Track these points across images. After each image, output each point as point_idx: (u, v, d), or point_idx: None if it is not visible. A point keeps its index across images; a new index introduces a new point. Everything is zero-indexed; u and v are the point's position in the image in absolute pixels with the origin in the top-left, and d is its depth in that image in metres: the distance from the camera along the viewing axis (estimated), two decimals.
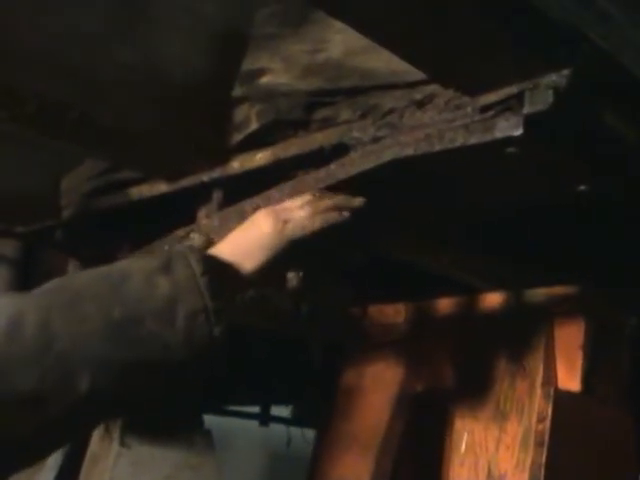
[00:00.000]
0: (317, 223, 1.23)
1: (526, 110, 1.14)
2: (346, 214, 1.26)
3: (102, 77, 1.39)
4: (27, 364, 0.96)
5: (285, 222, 1.22)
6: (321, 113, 1.42)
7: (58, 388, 0.98)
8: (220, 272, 1.13)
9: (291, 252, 1.22)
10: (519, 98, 1.15)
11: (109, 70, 1.39)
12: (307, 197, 1.27)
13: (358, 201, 1.29)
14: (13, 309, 0.98)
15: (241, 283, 1.19)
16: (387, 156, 1.29)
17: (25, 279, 1.92)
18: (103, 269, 1.09)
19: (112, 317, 1.02)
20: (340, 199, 1.29)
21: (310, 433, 2.66)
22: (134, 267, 1.08)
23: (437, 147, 1.23)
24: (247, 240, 1.21)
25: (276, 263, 1.21)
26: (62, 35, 1.34)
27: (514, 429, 1.74)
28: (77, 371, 0.98)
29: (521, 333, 1.83)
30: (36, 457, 1.06)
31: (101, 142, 1.50)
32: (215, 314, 1.07)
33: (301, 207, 1.25)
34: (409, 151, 1.26)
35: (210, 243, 1.39)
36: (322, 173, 1.37)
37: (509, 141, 1.17)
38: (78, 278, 1.08)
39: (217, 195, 1.54)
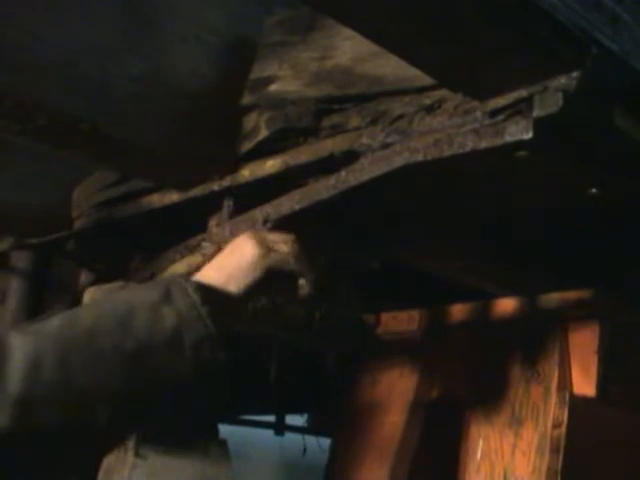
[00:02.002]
0: (297, 265, 1.27)
1: (536, 113, 1.13)
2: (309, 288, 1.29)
3: (112, 89, 1.40)
4: (48, 404, 0.98)
5: (269, 249, 1.25)
6: (330, 120, 1.42)
7: (78, 423, 1.01)
8: (215, 298, 1.16)
9: (270, 279, 1.25)
10: (528, 101, 1.14)
11: (119, 82, 1.40)
12: (292, 237, 1.30)
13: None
14: (29, 348, 1.00)
15: (231, 307, 1.21)
16: (397, 162, 1.29)
17: (38, 290, 1.92)
18: (106, 303, 1.14)
19: (125, 350, 1.05)
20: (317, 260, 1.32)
21: (326, 442, 2.66)
22: (137, 300, 1.11)
23: (447, 152, 1.22)
24: (230, 264, 1.23)
25: (258, 287, 1.24)
26: (72, 48, 1.34)
27: (530, 435, 1.73)
28: (96, 405, 1.02)
29: (535, 338, 1.82)
30: None
31: (112, 153, 1.50)
32: (218, 339, 1.11)
33: (285, 243, 1.28)
34: (419, 157, 1.26)
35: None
36: (332, 180, 1.37)
37: (519, 145, 1.16)
38: (86, 314, 1.11)
39: (228, 204, 1.54)
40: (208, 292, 1.15)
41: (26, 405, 0.96)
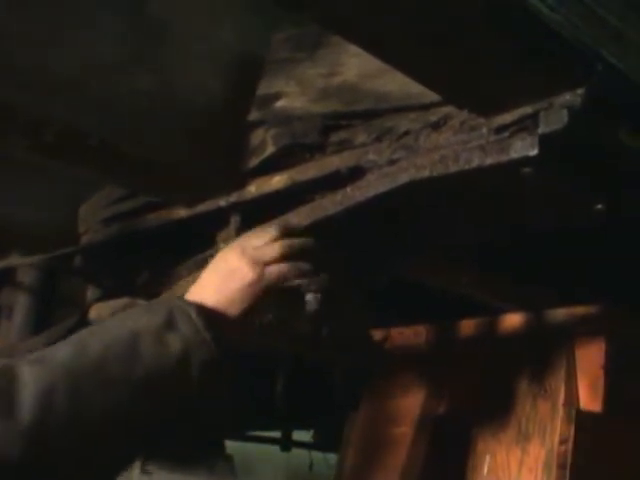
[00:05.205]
0: (291, 273, 1.26)
1: (541, 130, 1.14)
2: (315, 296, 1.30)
3: (120, 104, 1.40)
4: (61, 434, 1.00)
5: (262, 266, 1.24)
6: (337, 136, 1.43)
7: (91, 451, 1.03)
8: (217, 323, 1.17)
9: (267, 297, 1.25)
10: (534, 118, 1.15)
11: (127, 97, 1.40)
12: (274, 233, 1.28)
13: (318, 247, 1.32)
14: (42, 378, 1.02)
15: (233, 330, 1.21)
16: (403, 178, 1.29)
17: (45, 306, 1.93)
18: (110, 328, 1.15)
19: (134, 377, 1.07)
20: (305, 242, 1.30)
21: (332, 457, 2.66)
22: (140, 326, 1.12)
23: (453, 168, 1.23)
24: (230, 289, 1.22)
25: (256, 309, 1.24)
26: (80, 64, 1.35)
27: (536, 451, 1.73)
28: (108, 432, 1.05)
29: (542, 354, 1.82)
30: None
31: (120, 169, 1.51)
32: (222, 363, 1.14)
33: (273, 247, 1.26)
34: (425, 173, 1.26)
35: None
36: (339, 196, 1.37)
37: (525, 161, 1.16)
38: (93, 339, 1.11)
39: (235, 219, 1.54)
40: (210, 317, 1.16)
41: (38, 436, 0.97)
